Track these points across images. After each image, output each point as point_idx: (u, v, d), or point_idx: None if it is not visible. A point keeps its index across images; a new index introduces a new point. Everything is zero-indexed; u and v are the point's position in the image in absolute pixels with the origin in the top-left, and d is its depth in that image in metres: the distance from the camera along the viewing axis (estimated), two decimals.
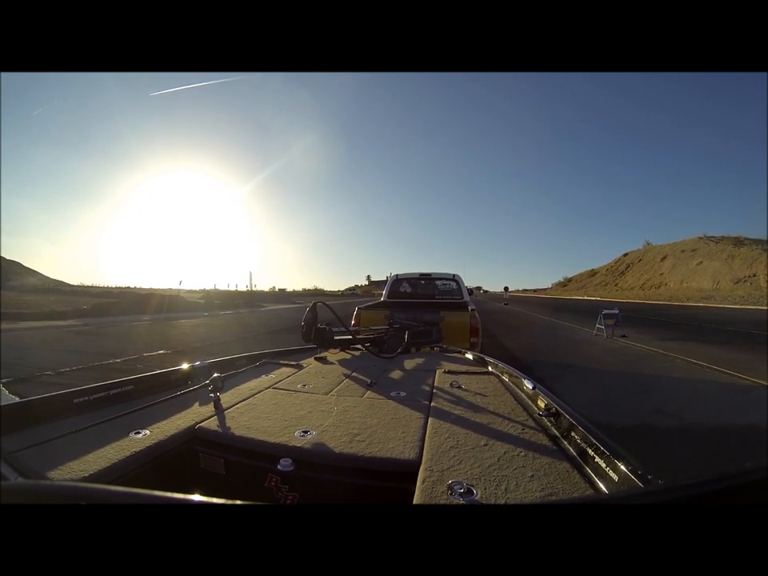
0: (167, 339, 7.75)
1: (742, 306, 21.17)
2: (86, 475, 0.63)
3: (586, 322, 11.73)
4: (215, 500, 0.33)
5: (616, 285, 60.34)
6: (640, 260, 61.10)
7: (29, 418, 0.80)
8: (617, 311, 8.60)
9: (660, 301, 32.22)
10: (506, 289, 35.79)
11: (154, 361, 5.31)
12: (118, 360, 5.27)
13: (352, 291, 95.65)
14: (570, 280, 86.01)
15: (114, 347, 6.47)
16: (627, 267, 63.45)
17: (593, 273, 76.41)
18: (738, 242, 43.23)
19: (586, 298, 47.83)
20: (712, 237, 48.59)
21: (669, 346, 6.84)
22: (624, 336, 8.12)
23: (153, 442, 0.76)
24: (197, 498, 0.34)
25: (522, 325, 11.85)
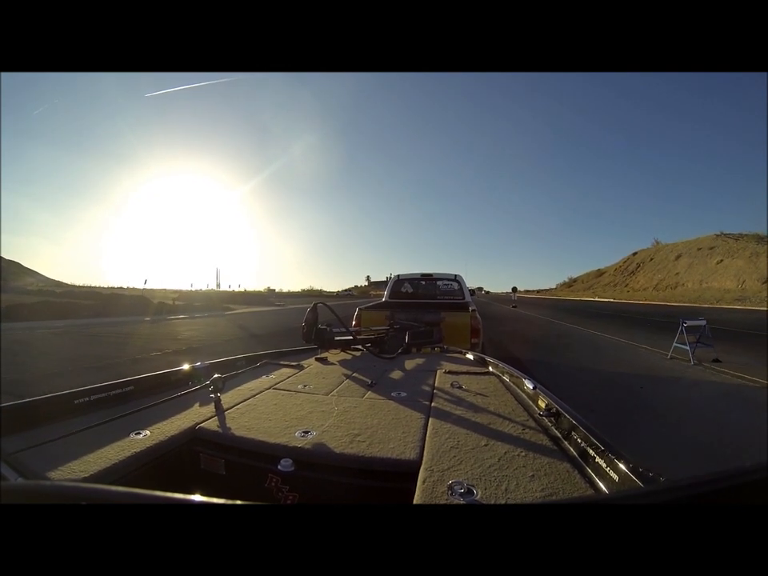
0: (41, 357, 5.84)
1: None
2: (86, 476, 0.63)
3: (631, 333, 8.59)
4: (215, 500, 0.33)
5: (626, 285, 59.12)
6: (651, 259, 59.60)
7: (29, 418, 0.80)
8: (704, 322, 5.72)
9: (684, 303, 29.53)
10: (514, 290, 33.19)
11: None
12: None
13: (348, 292, 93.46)
14: (575, 280, 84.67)
15: None
16: (638, 267, 62.04)
17: (600, 273, 75.02)
18: (759, 239, 41.55)
19: (597, 299, 46.50)
20: (730, 234, 46.77)
21: None
22: (717, 361, 5.35)
23: (153, 442, 0.77)
24: (197, 498, 0.34)
25: (547, 340, 8.18)
